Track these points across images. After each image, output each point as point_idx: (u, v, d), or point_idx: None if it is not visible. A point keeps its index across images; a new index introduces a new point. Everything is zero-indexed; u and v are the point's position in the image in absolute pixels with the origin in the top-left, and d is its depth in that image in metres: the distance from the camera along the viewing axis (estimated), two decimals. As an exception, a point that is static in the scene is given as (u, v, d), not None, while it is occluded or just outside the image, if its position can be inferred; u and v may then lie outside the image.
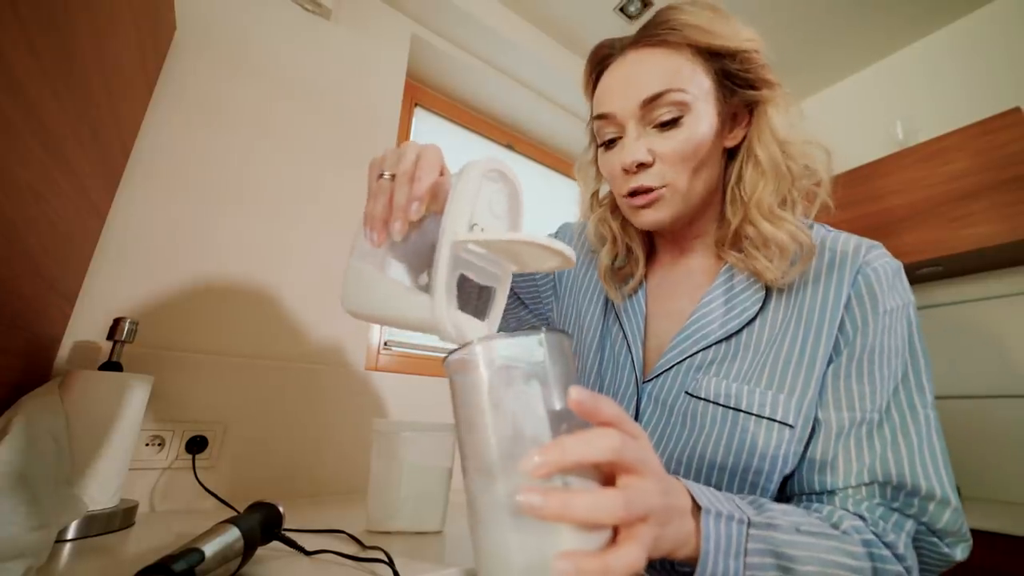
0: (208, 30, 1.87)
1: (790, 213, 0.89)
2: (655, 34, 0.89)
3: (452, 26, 2.68)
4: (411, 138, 2.68)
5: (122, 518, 1.14)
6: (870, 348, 0.79)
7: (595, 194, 1.15)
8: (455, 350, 0.53)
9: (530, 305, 1.33)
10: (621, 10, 2.93)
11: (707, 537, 0.59)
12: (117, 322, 1.27)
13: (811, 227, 0.95)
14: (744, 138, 0.94)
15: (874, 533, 0.71)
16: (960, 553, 0.74)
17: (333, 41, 2.25)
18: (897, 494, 0.73)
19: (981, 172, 2.40)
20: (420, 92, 2.86)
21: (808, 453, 0.80)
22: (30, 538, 0.80)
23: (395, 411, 1.98)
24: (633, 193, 0.91)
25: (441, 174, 0.75)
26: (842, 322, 0.82)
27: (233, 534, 0.86)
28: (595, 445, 0.46)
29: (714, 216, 1.00)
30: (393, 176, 0.72)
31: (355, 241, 0.79)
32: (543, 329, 0.54)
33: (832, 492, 0.77)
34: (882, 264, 0.85)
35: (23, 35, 0.73)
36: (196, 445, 1.48)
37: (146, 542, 1.06)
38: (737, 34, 0.90)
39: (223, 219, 1.76)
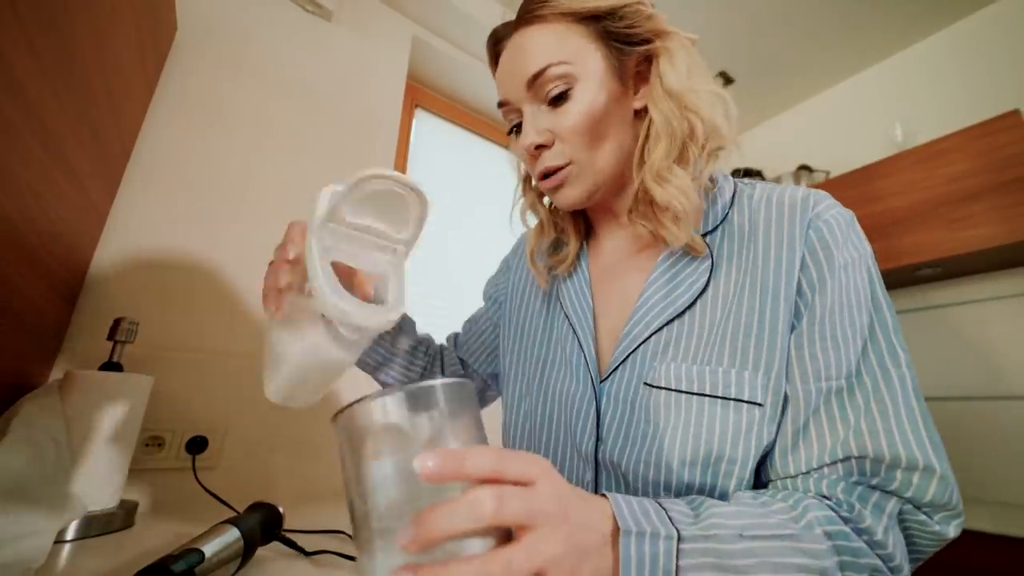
0: (209, 31, 1.87)
1: (687, 171, 0.83)
2: (529, 10, 0.87)
3: (452, 27, 2.68)
4: (411, 139, 2.69)
5: (122, 519, 1.14)
6: (830, 308, 0.72)
7: (526, 180, 1.11)
8: (343, 408, 0.48)
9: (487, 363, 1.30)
10: (621, 12, 2.92)
11: (626, 561, 0.52)
12: (117, 322, 1.26)
13: (752, 185, 0.91)
14: (644, 107, 0.89)
15: (845, 519, 0.64)
16: (953, 530, 0.68)
17: (334, 42, 2.25)
18: (877, 468, 0.66)
19: (981, 174, 2.40)
20: (421, 93, 2.86)
21: (779, 433, 0.74)
22: (29, 539, 0.80)
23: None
24: (543, 176, 0.89)
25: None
26: (800, 285, 0.75)
27: (233, 535, 0.86)
28: (463, 515, 0.42)
29: (626, 195, 0.96)
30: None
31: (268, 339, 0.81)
32: (438, 379, 0.49)
33: (806, 474, 0.70)
34: (833, 215, 0.78)
35: (23, 35, 0.73)
36: (196, 445, 1.48)
37: (146, 543, 1.05)
38: None
39: (223, 219, 1.76)
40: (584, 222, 1.10)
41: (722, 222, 0.88)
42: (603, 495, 0.59)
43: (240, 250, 1.77)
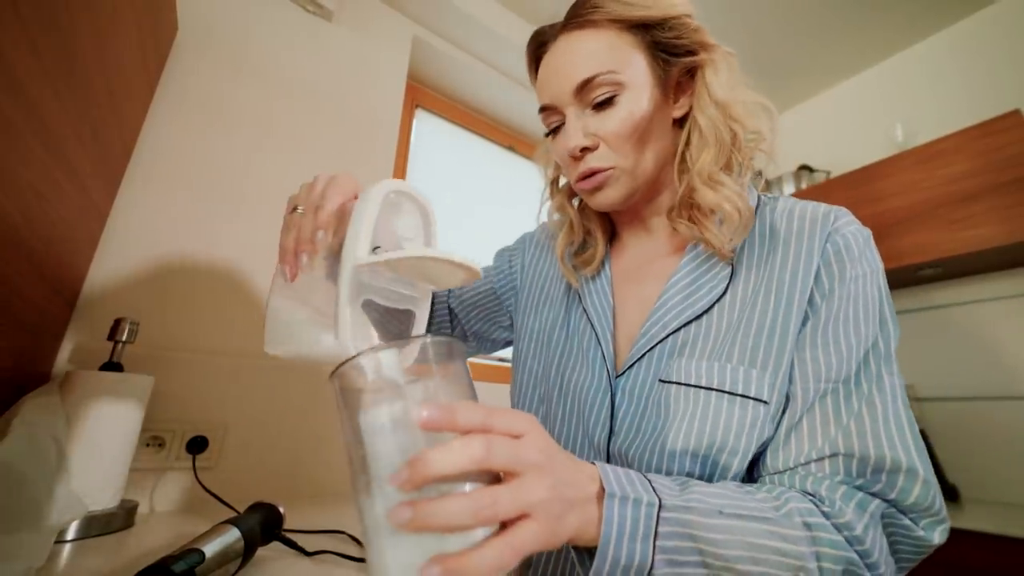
0: (210, 31, 1.87)
1: (733, 179, 0.87)
2: (579, 15, 0.88)
3: (453, 27, 2.68)
4: (412, 139, 2.69)
5: (122, 519, 1.14)
6: (835, 316, 0.76)
7: (554, 181, 1.15)
8: (341, 364, 0.52)
9: (495, 312, 1.30)
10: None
11: (608, 521, 0.56)
12: (118, 322, 1.26)
13: (775, 199, 0.94)
14: (688, 113, 0.92)
15: (826, 513, 0.65)
16: (938, 536, 0.67)
17: (334, 42, 2.25)
18: (863, 468, 0.67)
19: (981, 174, 2.40)
20: (421, 93, 2.86)
21: (776, 431, 0.77)
22: (30, 539, 0.80)
23: (395, 412, 1.96)
24: (583, 177, 0.90)
25: (355, 198, 0.75)
26: (811, 293, 0.79)
27: (233, 535, 0.86)
28: (456, 455, 0.45)
29: (672, 190, 0.97)
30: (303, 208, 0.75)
31: (273, 281, 0.79)
32: (428, 336, 0.53)
33: (792, 469, 0.72)
34: (851, 231, 0.81)
35: (24, 35, 0.73)
36: (196, 445, 1.48)
37: (146, 543, 1.06)
38: (660, 2, 0.88)
39: (224, 219, 1.76)
40: (609, 225, 1.13)
41: None
42: (593, 463, 0.61)
43: (240, 250, 1.77)
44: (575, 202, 1.12)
